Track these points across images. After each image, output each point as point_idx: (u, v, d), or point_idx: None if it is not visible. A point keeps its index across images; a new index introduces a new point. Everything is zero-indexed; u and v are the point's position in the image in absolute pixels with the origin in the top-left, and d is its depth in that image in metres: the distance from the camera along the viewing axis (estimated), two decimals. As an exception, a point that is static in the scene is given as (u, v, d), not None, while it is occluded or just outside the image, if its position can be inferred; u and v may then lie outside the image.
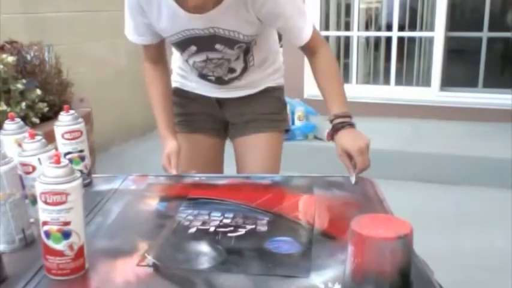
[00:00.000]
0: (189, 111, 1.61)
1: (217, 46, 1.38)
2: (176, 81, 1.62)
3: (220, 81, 1.52)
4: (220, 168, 1.70)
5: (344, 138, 1.31)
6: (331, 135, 1.34)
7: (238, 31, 1.34)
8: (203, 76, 1.52)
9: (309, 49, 1.40)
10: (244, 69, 1.50)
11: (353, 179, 1.28)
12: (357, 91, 4.63)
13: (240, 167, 1.61)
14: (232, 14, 1.29)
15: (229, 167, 1.68)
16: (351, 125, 1.34)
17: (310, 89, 4.48)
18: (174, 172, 1.38)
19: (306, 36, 1.36)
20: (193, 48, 1.40)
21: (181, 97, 1.61)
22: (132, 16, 1.38)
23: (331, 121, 1.35)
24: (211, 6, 1.26)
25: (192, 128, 1.61)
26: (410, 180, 3.29)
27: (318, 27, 4.64)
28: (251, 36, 1.38)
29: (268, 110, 1.59)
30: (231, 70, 1.48)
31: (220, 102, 1.60)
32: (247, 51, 1.46)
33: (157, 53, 1.50)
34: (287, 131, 1.69)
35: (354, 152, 1.27)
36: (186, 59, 1.48)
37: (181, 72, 1.60)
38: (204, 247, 0.96)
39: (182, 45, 1.40)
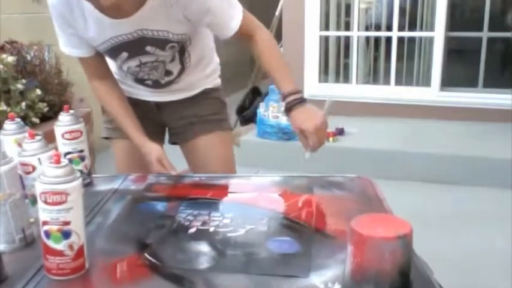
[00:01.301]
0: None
1: (148, 48, 1.34)
2: None
3: (157, 85, 1.50)
4: None
5: (299, 117, 1.30)
6: (286, 113, 1.34)
7: (168, 30, 1.31)
8: (140, 81, 1.49)
9: (243, 36, 1.35)
10: (181, 71, 1.47)
11: (307, 155, 1.30)
12: (357, 91, 4.63)
13: (195, 170, 1.58)
14: (158, 14, 1.26)
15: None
16: (304, 101, 1.32)
17: (310, 89, 4.48)
18: (174, 173, 1.38)
19: (235, 25, 1.32)
20: (124, 54, 1.36)
21: None
22: (61, 29, 1.34)
23: (284, 98, 1.34)
24: (132, 7, 1.24)
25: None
26: (410, 180, 3.29)
27: (316, 27, 4.68)
28: (182, 35, 1.35)
29: (210, 111, 1.58)
30: (168, 73, 1.46)
31: (158, 106, 1.57)
32: (182, 52, 1.43)
33: (99, 67, 1.45)
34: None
35: (310, 130, 1.27)
36: (119, 66, 1.45)
37: (118, 78, 1.53)
38: (204, 247, 0.96)
39: (113, 52, 1.37)
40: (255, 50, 1.38)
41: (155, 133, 1.56)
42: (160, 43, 1.34)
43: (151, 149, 1.42)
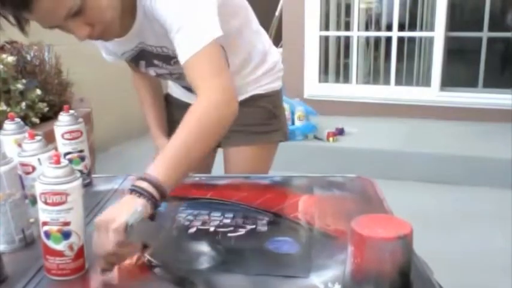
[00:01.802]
0: (179, 119, 1.47)
1: (156, 62, 1.27)
2: (169, 87, 1.59)
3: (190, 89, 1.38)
4: (209, 170, 1.62)
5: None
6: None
7: (162, 46, 1.18)
8: (183, 86, 1.45)
9: (189, 78, 1.06)
10: None
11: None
12: (357, 91, 4.63)
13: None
14: (146, 28, 1.14)
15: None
16: (140, 194, 0.88)
17: (310, 89, 4.48)
18: None
19: (183, 57, 1.03)
20: (142, 63, 1.31)
21: (170, 103, 1.55)
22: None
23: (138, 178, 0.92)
24: (127, 26, 1.14)
25: None
26: (410, 180, 3.30)
27: (316, 27, 4.69)
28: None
29: (254, 121, 1.44)
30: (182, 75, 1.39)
31: None
32: None
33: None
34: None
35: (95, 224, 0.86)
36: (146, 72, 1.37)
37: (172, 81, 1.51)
38: (204, 247, 0.96)
39: (133, 62, 1.34)
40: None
41: None
42: (164, 58, 1.24)
43: (161, 143, 1.40)
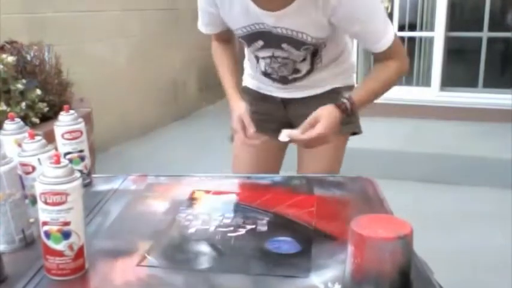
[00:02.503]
0: (255, 110, 1.50)
1: (284, 45, 1.36)
2: (245, 79, 1.65)
3: (283, 80, 1.50)
4: (277, 169, 1.69)
5: (328, 117, 1.28)
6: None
7: (307, 33, 1.31)
8: (267, 75, 1.51)
9: (381, 58, 1.35)
10: (310, 71, 1.47)
11: (284, 137, 1.30)
12: (357, 91, 4.62)
13: (300, 168, 1.60)
14: (303, 14, 1.26)
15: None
16: (347, 114, 1.32)
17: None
18: (251, 130, 1.35)
19: (383, 45, 1.31)
20: (260, 42, 1.39)
21: (248, 95, 1.59)
22: (204, 7, 1.40)
23: (343, 97, 1.34)
24: (283, 2, 1.25)
25: (259, 128, 1.50)
26: (410, 180, 3.29)
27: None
28: (320, 39, 1.35)
29: None
30: (296, 71, 1.46)
31: (284, 102, 1.58)
32: (315, 54, 1.42)
33: (224, 37, 1.53)
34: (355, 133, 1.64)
35: (318, 131, 1.26)
36: (252, 52, 1.48)
37: (249, 71, 1.61)
38: (204, 247, 0.96)
39: (250, 39, 1.39)
40: (374, 69, 1.39)
41: (280, 131, 1.47)
42: (297, 43, 1.34)
43: (237, 106, 1.43)
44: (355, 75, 1.64)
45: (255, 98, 1.60)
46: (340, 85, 1.55)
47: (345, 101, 1.32)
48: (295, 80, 1.49)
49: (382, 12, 1.31)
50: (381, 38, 1.31)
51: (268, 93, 1.59)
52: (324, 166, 1.52)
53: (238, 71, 1.56)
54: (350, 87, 1.56)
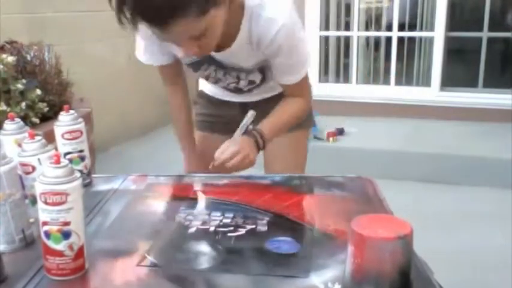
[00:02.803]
0: (211, 113, 1.65)
1: (231, 71, 1.42)
2: (202, 85, 1.67)
3: (239, 91, 1.53)
4: None
5: (242, 139, 1.35)
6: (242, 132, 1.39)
7: (247, 63, 1.38)
8: (223, 87, 1.54)
9: (290, 93, 1.43)
10: (263, 80, 1.48)
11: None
12: (357, 91, 4.63)
13: (266, 168, 1.63)
14: (242, 52, 1.32)
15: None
16: (256, 140, 1.37)
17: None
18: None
19: (289, 80, 1.39)
20: (205, 65, 1.42)
21: (204, 99, 1.66)
22: (145, 37, 1.35)
23: (254, 129, 1.39)
24: (221, 47, 1.30)
25: (212, 129, 1.64)
26: (410, 180, 3.30)
27: (316, 27, 4.68)
28: (262, 61, 1.39)
29: None
30: (251, 82, 1.47)
31: (241, 105, 1.59)
32: (262, 69, 1.44)
33: (173, 74, 1.53)
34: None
35: (230, 150, 1.32)
36: (200, 76, 1.50)
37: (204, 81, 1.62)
38: (204, 247, 0.96)
39: (197, 66, 1.42)
40: (284, 99, 1.45)
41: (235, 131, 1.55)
42: (238, 70, 1.41)
43: (189, 165, 1.59)
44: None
45: (210, 101, 1.66)
46: None
47: (258, 138, 1.38)
48: (250, 90, 1.52)
49: (303, 59, 1.38)
50: (291, 75, 1.38)
51: (227, 98, 1.61)
52: (288, 163, 1.58)
53: (192, 120, 1.64)
54: None
